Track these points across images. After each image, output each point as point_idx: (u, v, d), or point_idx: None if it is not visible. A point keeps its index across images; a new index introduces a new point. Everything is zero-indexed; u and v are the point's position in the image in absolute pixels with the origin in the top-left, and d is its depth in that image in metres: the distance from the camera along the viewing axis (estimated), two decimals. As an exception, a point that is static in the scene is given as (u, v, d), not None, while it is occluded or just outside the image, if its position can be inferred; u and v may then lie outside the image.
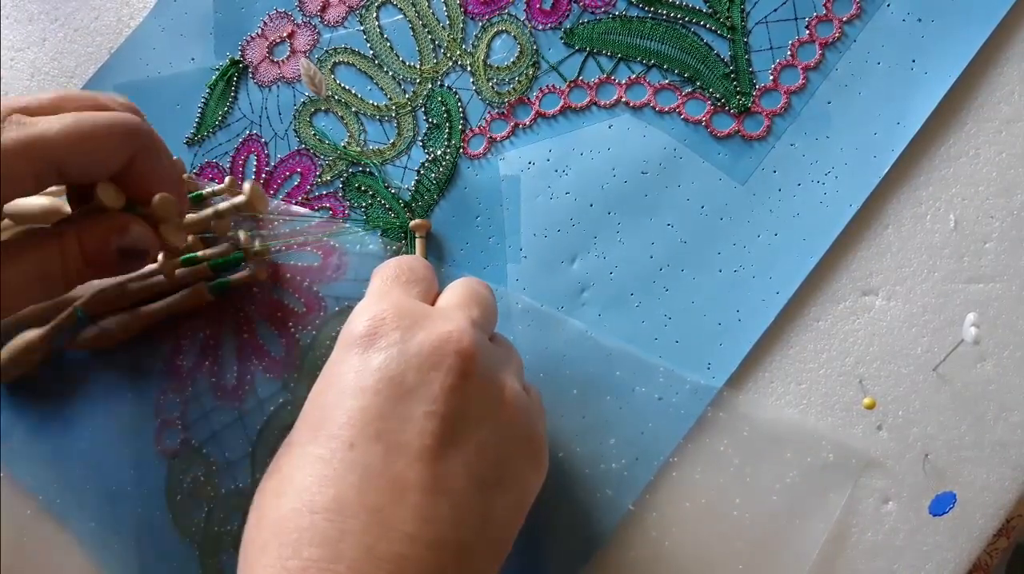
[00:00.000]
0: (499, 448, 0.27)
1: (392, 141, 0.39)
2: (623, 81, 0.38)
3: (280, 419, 0.36)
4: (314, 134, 0.40)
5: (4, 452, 0.38)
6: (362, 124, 0.39)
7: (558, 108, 0.38)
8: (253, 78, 0.41)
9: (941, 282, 0.35)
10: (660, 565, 0.34)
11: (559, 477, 0.34)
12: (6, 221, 0.38)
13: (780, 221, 0.36)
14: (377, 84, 0.40)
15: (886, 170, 0.36)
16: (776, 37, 0.38)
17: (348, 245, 0.38)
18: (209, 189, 0.39)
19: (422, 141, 0.39)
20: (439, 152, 0.39)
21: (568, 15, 0.39)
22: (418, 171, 0.39)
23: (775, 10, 0.38)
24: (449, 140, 0.39)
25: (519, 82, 0.39)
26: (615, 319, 0.36)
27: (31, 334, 0.37)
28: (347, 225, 0.38)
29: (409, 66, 0.40)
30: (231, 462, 0.36)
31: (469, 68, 0.39)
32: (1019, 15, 0.37)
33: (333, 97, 0.40)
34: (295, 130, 0.40)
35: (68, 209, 0.37)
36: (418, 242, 0.37)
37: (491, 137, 0.39)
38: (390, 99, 0.40)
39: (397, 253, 0.38)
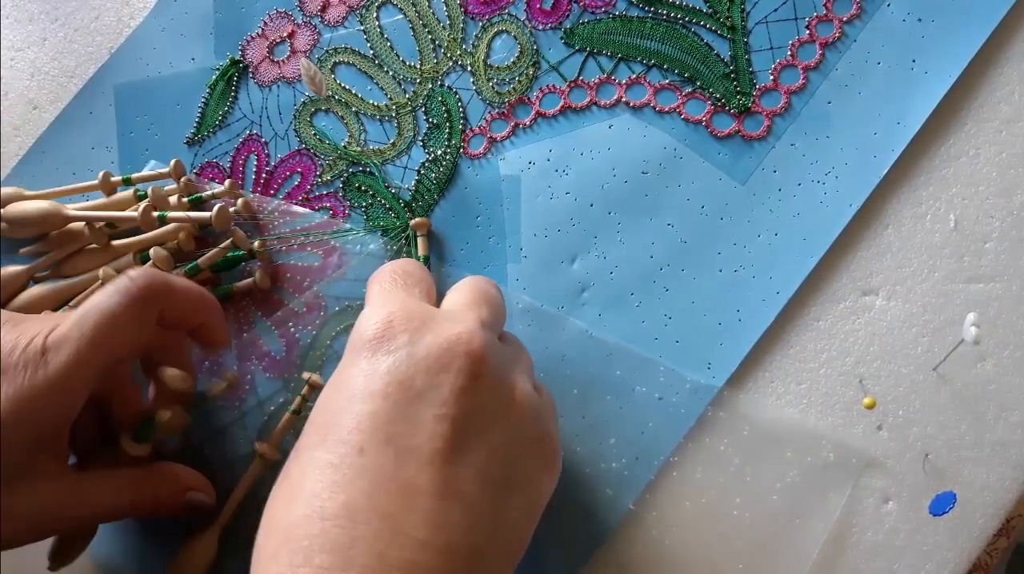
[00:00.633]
0: (510, 450, 0.27)
1: (392, 141, 0.39)
2: (623, 81, 0.38)
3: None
4: (314, 134, 0.40)
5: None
6: (362, 124, 0.39)
7: (558, 108, 0.38)
8: (253, 78, 0.41)
9: (941, 282, 0.35)
10: (660, 565, 0.34)
11: (560, 476, 0.34)
12: (4, 225, 0.38)
13: (780, 221, 0.36)
14: (377, 84, 0.40)
15: (886, 170, 0.36)
16: (776, 37, 0.38)
17: (348, 245, 0.38)
18: (209, 191, 0.39)
19: (422, 141, 0.39)
20: (439, 152, 0.39)
21: (568, 15, 0.39)
22: (418, 171, 0.39)
23: (775, 10, 0.38)
24: (449, 140, 0.39)
25: (519, 82, 0.39)
26: (615, 319, 0.36)
27: None
28: (347, 225, 0.38)
29: (409, 66, 0.40)
30: (231, 462, 0.36)
31: (469, 68, 0.39)
32: (1019, 15, 0.37)
33: (333, 97, 0.40)
34: (295, 130, 0.40)
35: (67, 212, 0.38)
36: (420, 241, 0.37)
37: (491, 137, 0.39)
38: (390, 99, 0.40)
39: (397, 253, 0.38)
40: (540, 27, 0.39)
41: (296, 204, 0.39)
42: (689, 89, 0.38)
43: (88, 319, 0.29)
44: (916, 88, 0.36)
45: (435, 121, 0.39)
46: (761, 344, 0.35)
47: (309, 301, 0.37)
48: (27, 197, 0.39)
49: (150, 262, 0.36)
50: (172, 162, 0.39)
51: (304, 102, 0.40)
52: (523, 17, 0.39)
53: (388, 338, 0.27)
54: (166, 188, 0.38)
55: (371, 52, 0.40)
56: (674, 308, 0.36)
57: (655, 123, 0.38)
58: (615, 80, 0.38)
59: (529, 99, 0.39)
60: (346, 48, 0.40)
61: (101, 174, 0.38)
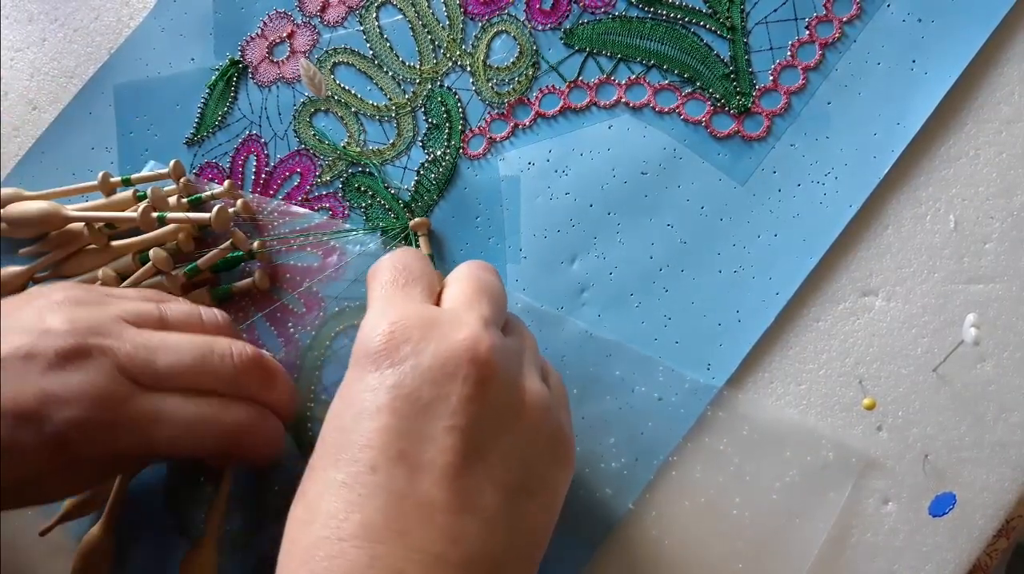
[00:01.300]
0: (524, 453, 0.26)
1: (392, 141, 0.39)
2: (623, 81, 0.38)
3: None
4: (314, 134, 0.40)
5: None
6: (362, 124, 0.39)
7: (558, 108, 0.38)
8: (253, 78, 0.41)
9: (941, 283, 0.35)
10: (660, 564, 0.34)
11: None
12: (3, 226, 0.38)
13: (780, 221, 0.36)
14: (377, 84, 0.40)
15: (886, 171, 0.36)
16: (776, 37, 0.38)
17: (348, 245, 0.38)
18: (208, 192, 0.39)
19: (422, 141, 0.39)
20: (439, 152, 0.39)
21: (568, 15, 0.39)
22: (418, 171, 0.39)
23: (775, 10, 0.38)
24: (449, 140, 0.39)
25: (519, 82, 0.39)
26: (615, 319, 0.36)
27: None
28: (347, 225, 0.38)
29: (409, 66, 0.40)
30: (231, 462, 0.36)
31: (469, 68, 0.39)
32: (1019, 15, 0.37)
33: (333, 97, 0.40)
34: (295, 130, 0.40)
35: (67, 212, 0.38)
36: (422, 240, 0.37)
37: (491, 137, 0.39)
38: (390, 99, 0.40)
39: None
40: (540, 27, 0.39)
41: (295, 204, 0.39)
42: (689, 89, 0.38)
43: (178, 428, 0.30)
44: (916, 88, 0.36)
45: (435, 121, 0.39)
46: (761, 344, 0.35)
47: (308, 301, 0.37)
48: (27, 197, 0.39)
49: (149, 263, 0.36)
50: (171, 162, 0.39)
51: (303, 102, 0.40)
52: (523, 17, 0.39)
53: (391, 350, 0.26)
54: (165, 189, 0.38)
55: (370, 52, 0.40)
56: (674, 308, 0.36)
57: (655, 123, 0.38)
58: (615, 80, 0.38)
59: (529, 99, 0.39)
60: (345, 48, 0.40)
61: (100, 174, 0.38)
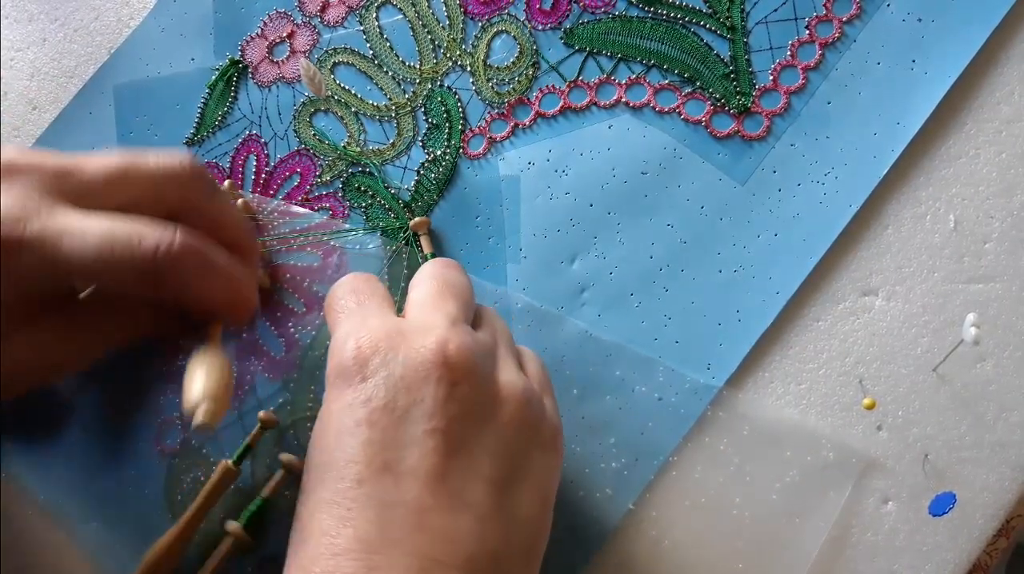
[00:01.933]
0: (508, 445, 0.27)
1: (392, 141, 0.39)
2: (623, 81, 0.38)
3: (280, 419, 0.36)
4: (314, 134, 0.40)
5: (4, 453, 0.38)
6: (362, 124, 0.39)
7: (558, 108, 0.38)
8: (253, 78, 0.41)
9: (941, 282, 0.35)
10: (660, 564, 0.34)
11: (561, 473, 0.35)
12: None
13: (780, 221, 0.36)
14: (377, 84, 0.40)
15: (886, 170, 0.36)
16: (776, 37, 0.38)
17: (348, 245, 0.38)
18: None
19: (422, 141, 0.39)
20: (439, 152, 0.39)
21: (568, 15, 0.39)
22: (418, 171, 0.39)
23: (775, 10, 0.38)
24: (449, 140, 0.39)
25: (519, 82, 0.39)
26: (615, 319, 0.36)
27: None
28: (347, 225, 0.38)
29: (409, 66, 0.40)
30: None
31: (469, 68, 0.39)
32: (1019, 15, 0.37)
33: (333, 97, 0.40)
34: (295, 130, 0.40)
35: None
36: (423, 239, 0.37)
37: (491, 137, 0.39)
38: (390, 99, 0.40)
39: (396, 253, 0.38)
40: (540, 27, 0.39)
41: (296, 204, 0.39)
42: (689, 89, 0.38)
43: (88, 247, 0.28)
44: (916, 88, 0.36)
45: (434, 121, 0.39)
46: (761, 344, 0.35)
47: (309, 301, 0.37)
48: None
49: None
50: (172, 162, 0.39)
51: (303, 102, 0.40)
52: (523, 17, 0.39)
53: (362, 365, 0.26)
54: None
55: (371, 52, 0.40)
56: (674, 308, 0.36)
57: (655, 123, 0.38)
58: (615, 80, 0.38)
59: (529, 99, 0.39)
60: (346, 48, 0.40)
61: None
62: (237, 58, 0.41)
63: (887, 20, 0.37)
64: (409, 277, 0.37)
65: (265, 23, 0.41)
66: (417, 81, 0.39)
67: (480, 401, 0.27)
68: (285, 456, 0.34)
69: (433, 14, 0.40)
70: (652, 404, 0.35)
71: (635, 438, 0.35)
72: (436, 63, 0.40)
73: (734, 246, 0.36)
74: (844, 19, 0.37)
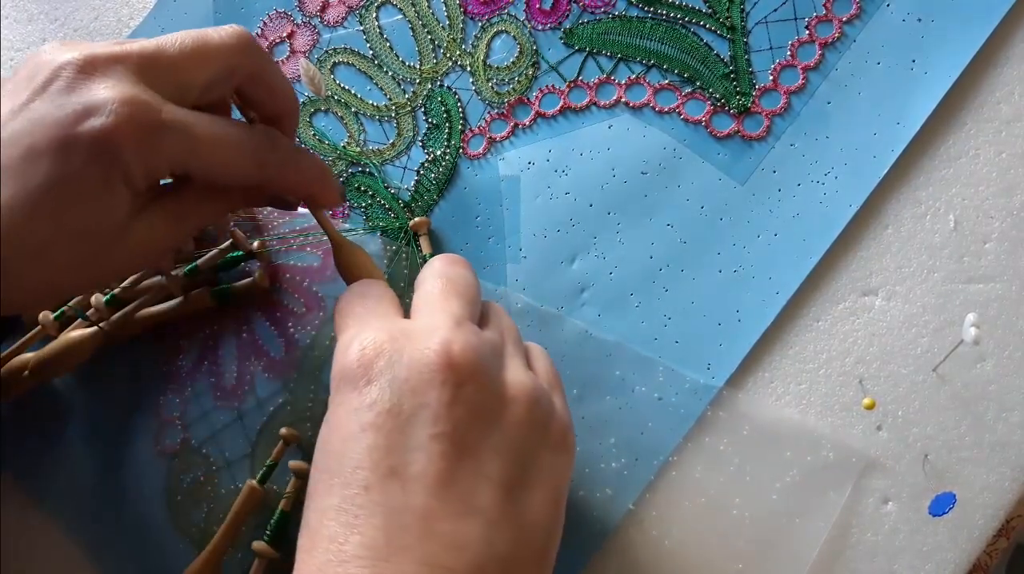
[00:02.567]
0: (517, 446, 0.26)
1: (392, 141, 0.39)
2: (623, 81, 0.38)
3: (280, 419, 0.36)
4: (314, 134, 0.40)
5: (4, 453, 0.38)
6: (362, 124, 0.39)
7: (558, 108, 0.38)
8: (253, 78, 0.41)
9: (941, 282, 0.35)
10: (660, 564, 0.34)
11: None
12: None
13: (780, 221, 0.36)
14: (377, 84, 0.40)
15: (886, 170, 0.36)
16: (776, 37, 0.38)
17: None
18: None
19: (422, 141, 0.39)
20: (439, 152, 0.39)
21: (568, 15, 0.39)
22: (418, 171, 0.39)
23: (775, 10, 0.38)
24: (449, 140, 0.39)
25: (519, 82, 0.39)
26: (615, 319, 0.36)
27: (77, 334, 0.36)
28: (346, 225, 0.38)
29: (409, 66, 0.40)
30: (231, 462, 0.36)
31: (469, 68, 0.39)
32: (1019, 15, 0.37)
33: (333, 97, 0.40)
34: (295, 130, 0.40)
35: None
36: (423, 240, 0.37)
37: (491, 137, 0.39)
38: (390, 99, 0.40)
39: (396, 253, 0.38)
40: (540, 27, 0.39)
41: (296, 204, 0.39)
42: (689, 89, 0.38)
43: (216, 128, 0.28)
44: (916, 88, 0.36)
45: (434, 121, 0.39)
46: (761, 344, 0.35)
47: (308, 301, 0.37)
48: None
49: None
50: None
51: (303, 102, 0.40)
52: (523, 17, 0.39)
53: (367, 368, 0.26)
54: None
55: (370, 52, 0.40)
56: (674, 308, 0.36)
57: (655, 123, 0.38)
58: (614, 80, 0.38)
59: (528, 99, 0.39)
60: (345, 48, 0.40)
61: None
62: (237, 58, 0.41)
63: (887, 20, 0.37)
64: (409, 277, 0.37)
65: (265, 23, 0.41)
66: (417, 81, 0.39)
67: (487, 403, 0.26)
68: (294, 463, 0.34)
69: (433, 14, 0.40)
70: (652, 404, 0.35)
71: (635, 438, 0.35)
72: (436, 63, 0.40)
73: (734, 246, 0.36)
74: (844, 19, 0.37)
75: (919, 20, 0.37)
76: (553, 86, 0.39)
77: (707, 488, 0.34)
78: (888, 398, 0.35)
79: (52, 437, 0.38)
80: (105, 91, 0.26)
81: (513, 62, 0.39)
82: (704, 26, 0.38)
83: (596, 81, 0.38)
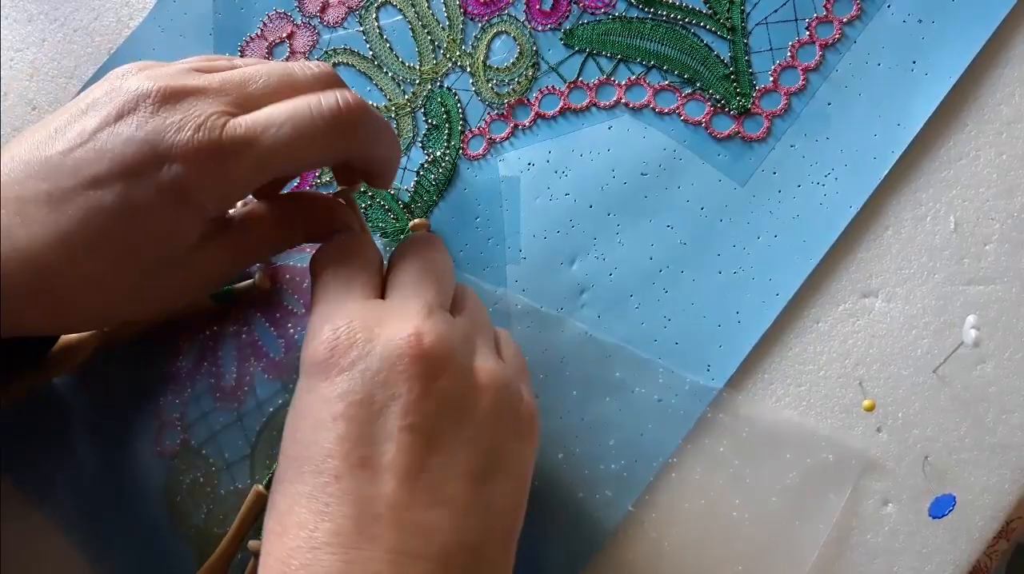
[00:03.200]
0: (486, 436, 0.27)
1: (392, 142, 0.39)
2: (623, 82, 0.38)
3: (279, 420, 0.36)
4: (314, 135, 0.40)
5: (4, 454, 0.38)
6: (362, 125, 0.39)
7: (558, 109, 0.38)
8: (253, 79, 0.41)
9: (941, 284, 0.35)
10: (660, 566, 0.34)
11: (559, 477, 0.34)
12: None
13: (780, 223, 0.36)
14: (376, 85, 0.40)
15: (886, 172, 0.36)
16: (776, 38, 0.37)
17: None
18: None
19: (421, 142, 0.39)
20: (438, 153, 0.39)
21: (568, 16, 0.39)
22: (417, 172, 0.39)
23: (775, 11, 0.38)
24: (448, 141, 0.39)
25: (519, 83, 0.39)
26: (614, 321, 0.36)
27: (77, 334, 0.36)
28: (346, 226, 0.38)
29: (408, 67, 0.40)
30: (230, 463, 0.36)
31: (469, 69, 0.39)
32: (1019, 16, 0.37)
33: (333, 98, 0.40)
34: (295, 131, 0.40)
35: None
36: None
37: (491, 138, 0.39)
38: (389, 100, 0.39)
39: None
40: (540, 28, 0.39)
41: (295, 205, 0.39)
42: (689, 90, 0.38)
43: (283, 131, 0.27)
44: (916, 89, 0.36)
45: (434, 122, 0.39)
46: (760, 346, 0.35)
47: (309, 302, 0.37)
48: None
49: None
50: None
51: (303, 103, 0.40)
52: (523, 18, 0.39)
53: (339, 357, 0.26)
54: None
55: (370, 53, 0.40)
56: (673, 310, 0.36)
57: (655, 124, 0.38)
58: (615, 81, 0.38)
59: (528, 100, 0.39)
60: (345, 49, 0.40)
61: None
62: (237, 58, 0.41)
63: (887, 21, 0.37)
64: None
65: (265, 24, 0.41)
66: (417, 82, 0.39)
67: (457, 394, 0.26)
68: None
69: (433, 15, 0.40)
70: (652, 405, 0.35)
71: (635, 439, 0.35)
72: (436, 64, 0.39)
73: (734, 247, 0.36)
74: (844, 20, 0.37)
75: (920, 21, 0.37)
76: (553, 87, 0.39)
77: (707, 490, 0.34)
78: (888, 400, 0.34)
79: (52, 437, 0.38)
80: (178, 133, 0.26)
81: (513, 63, 0.39)
82: (704, 27, 0.38)
83: (596, 82, 0.38)
